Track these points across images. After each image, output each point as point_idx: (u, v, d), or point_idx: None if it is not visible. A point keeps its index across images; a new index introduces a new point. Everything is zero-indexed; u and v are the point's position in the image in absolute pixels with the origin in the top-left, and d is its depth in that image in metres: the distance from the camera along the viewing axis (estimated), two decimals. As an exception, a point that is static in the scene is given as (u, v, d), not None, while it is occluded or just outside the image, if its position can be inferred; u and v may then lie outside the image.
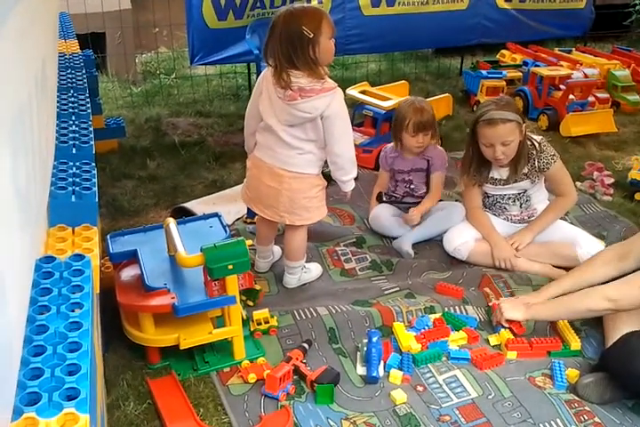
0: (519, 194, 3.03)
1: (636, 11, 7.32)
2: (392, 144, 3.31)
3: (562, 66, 5.49)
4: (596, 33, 7.02)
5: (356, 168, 2.66)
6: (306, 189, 2.61)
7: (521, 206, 3.06)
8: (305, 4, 2.50)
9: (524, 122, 2.86)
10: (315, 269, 2.92)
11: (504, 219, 3.11)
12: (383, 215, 3.23)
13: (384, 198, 3.32)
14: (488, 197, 3.10)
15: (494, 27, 6.18)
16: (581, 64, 5.58)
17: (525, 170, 2.94)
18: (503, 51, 6.16)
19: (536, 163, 2.92)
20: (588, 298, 2.30)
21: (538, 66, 5.48)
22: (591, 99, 5.09)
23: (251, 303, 2.66)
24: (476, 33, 6.15)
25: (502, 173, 2.99)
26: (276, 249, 3.00)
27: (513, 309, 2.49)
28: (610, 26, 7.16)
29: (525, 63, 5.68)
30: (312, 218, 2.70)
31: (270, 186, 2.60)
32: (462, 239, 3.00)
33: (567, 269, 2.88)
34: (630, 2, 7.26)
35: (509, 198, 3.05)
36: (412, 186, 3.26)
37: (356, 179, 3.76)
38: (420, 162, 3.21)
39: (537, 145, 2.93)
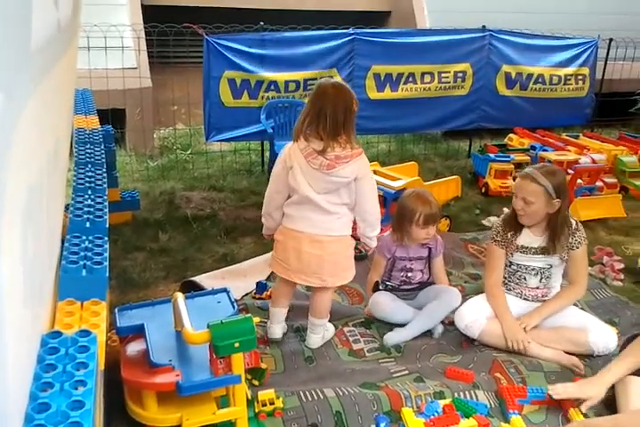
0: (543, 268, 3.02)
1: (642, 99, 7.55)
2: (389, 232, 3.20)
3: (569, 151, 5.60)
4: (602, 119, 7.21)
5: (379, 224, 2.83)
6: (344, 250, 2.79)
7: (540, 281, 3.04)
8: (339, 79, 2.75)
9: (558, 197, 2.87)
10: (331, 327, 3.04)
11: (518, 293, 3.08)
12: (383, 302, 3.12)
13: (380, 287, 3.22)
14: (511, 265, 3.09)
15: (495, 112, 6.41)
16: (589, 149, 5.70)
17: (555, 245, 2.94)
18: (511, 135, 6.32)
19: (570, 238, 2.95)
20: None
21: (545, 150, 5.60)
22: (599, 184, 5.16)
23: (256, 383, 2.60)
24: (477, 118, 6.36)
25: (534, 241, 2.99)
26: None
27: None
28: (616, 112, 7.37)
29: (533, 147, 5.80)
30: (350, 276, 2.86)
31: (312, 253, 2.72)
32: (474, 317, 2.96)
33: (579, 355, 2.85)
34: (635, 90, 7.49)
35: (533, 270, 3.03)
36: (409, 274, 3.19)
37: (365, 257, 3.83)
38: (422, 250, 3.17)
39: (574, 223, 2.99)
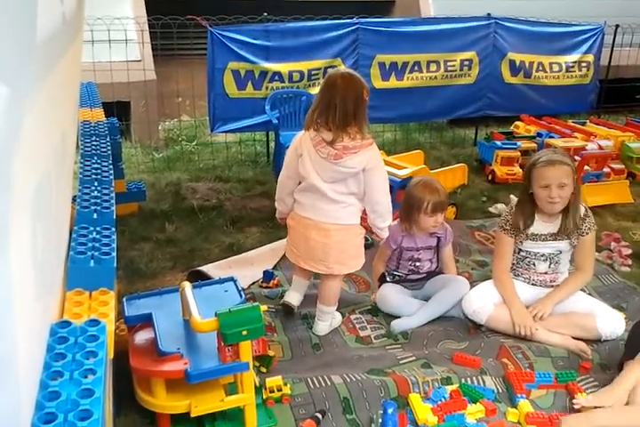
0: (552, 254, 3.03)
1: (648, 85, 7.50)
2: (397, 222, 3.17)
3: (576, 137, 5.57)
4: (609, 106, 7.16)
5: (391, 215, 2.82)
6: (351, 239, 2.79)
7: (549, 266, 3.05)
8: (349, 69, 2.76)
9: (576, 173, 2.91)
10: (338, 315, 3.07)
11: (526, 278, 3.09)
12: (391, 296, 3.12)
13: (387, 279, 3.23)
14: (520, 252, 3.09)
15: (500, 100, 6.38)
16: (595, 136, 5.67)
17: (568, 229, 2.95)
18: (517, 122, 6.28)
19: (581, 224, 2.96)
20: None
21: (552, 137, 5.57)
22: (607, 170, 5.14)
23: (264, 370, 2.62)
24: (483, 105, 6.33)
25: (544, 228, 2.99)
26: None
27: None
28: (622, 99, 7.32)
29: (539, 134, 5.77)
30: (357, 265, 2.88)
31: (319, 241, 2.75)
32: (481, 303, 2.98)
33: (586, 340, 2.85)
34: (641, 76, 7.44)
35: (542, 256, 3.04)
36: (417, 263, 3.19)
37: (372, 245, 3.84)
38: (430, 240, 3.17)
39: (583, 209, 3.00)
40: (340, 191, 2.69)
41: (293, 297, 3.06)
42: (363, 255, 2.90)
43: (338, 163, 2.61)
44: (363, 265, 2.92)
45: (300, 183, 2.79)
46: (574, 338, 2.87)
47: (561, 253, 3.03)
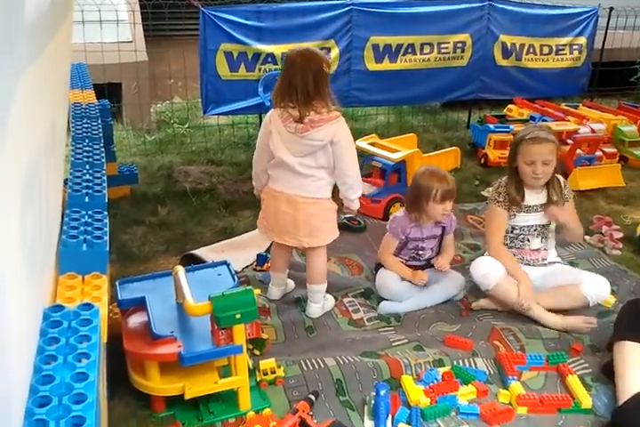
0: (543, 226, 3.10)
1: (642, 68, 7.47)
2: (402, 213, 3.17)
3: (569, 121, 5.57)
4: (602, 89, 7.15)
5: (361, 187, 2.88)
6: (320, 213, 2.82)
7: (541, 241, 3.12)
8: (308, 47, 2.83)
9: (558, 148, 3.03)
10: (330, 298, 3.09)
11: (519, 258, 3.13)
12: (390, 282, 3.11)
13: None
14: (513, 229, 3.12)
15: (493, 83, 6.34)
16: (588, 119, 5.66)
17: (555, 197, 3.05)
18: (510, 105, 6.26)
19: (564, 191, 3.09)
20: None
21: (545, 120, 5.56)
22: (599, 153, 5.14)
23: (257, 353, 2.64)
24: (476, 88, 6.31)
25: (534, 199, 3.07)
26: (289, 282, 3.17)
27: None
28: (616, 82, 7.30)
29: (532, 118, 5.76)
30: (328, 239, 2.90)
31: (288, 212, 2.80)
32: (491, 268, 2.99)
33: (577, 311, 2.95)
34: (636, 59, 7.42)
35: (535, 230, 3.10)
36: (420, 252, 3.19)
37: (364, 228, 3.85)
38: (436, 229, 3.16)
39: (562, 179, 3.15)
40: (309, 165, 2.73)
41: (273, 293, 3.10)
42: (335, 229, 2.93)
43: (305, 136, 2.67)
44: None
45: (272, 160, 2.83)
46: (567, 311, 2.93)
47: (549, 224, 3.11)
